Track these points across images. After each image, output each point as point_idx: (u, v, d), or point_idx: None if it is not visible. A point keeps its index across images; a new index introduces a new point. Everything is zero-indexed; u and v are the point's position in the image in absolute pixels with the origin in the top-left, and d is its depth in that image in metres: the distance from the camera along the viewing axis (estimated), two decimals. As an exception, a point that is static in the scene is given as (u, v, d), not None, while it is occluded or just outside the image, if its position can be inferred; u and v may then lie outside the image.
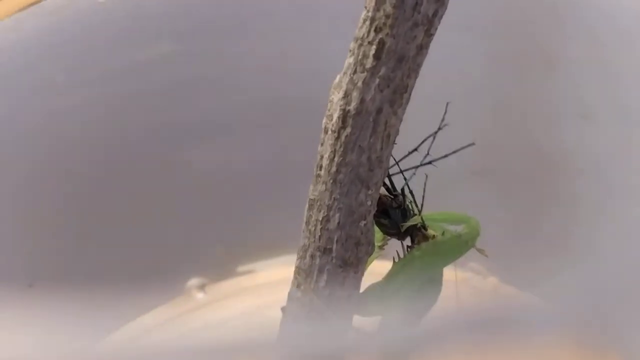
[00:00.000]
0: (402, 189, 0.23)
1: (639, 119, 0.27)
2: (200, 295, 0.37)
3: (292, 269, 0.23)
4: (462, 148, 0.22)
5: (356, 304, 0.22)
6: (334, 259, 0.22)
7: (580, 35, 0.28)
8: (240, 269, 0.38)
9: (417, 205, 0.23)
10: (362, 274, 0.23)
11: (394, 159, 0.22)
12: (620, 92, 0.27)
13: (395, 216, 0.22)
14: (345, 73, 0.21)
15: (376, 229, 0.23)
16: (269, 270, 0.38)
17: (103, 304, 0.33)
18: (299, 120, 0.32)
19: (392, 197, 0.22)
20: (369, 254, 0.22)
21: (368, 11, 0.20)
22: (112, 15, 0.27)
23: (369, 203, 0.22)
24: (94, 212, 0.33)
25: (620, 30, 0.27)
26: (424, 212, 0.23)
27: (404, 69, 0.20)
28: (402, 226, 0.22)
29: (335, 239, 0.22)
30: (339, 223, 0.22)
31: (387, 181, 0.22)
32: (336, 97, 0.21)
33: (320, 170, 0.22)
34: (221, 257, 0.37)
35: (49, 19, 0.26)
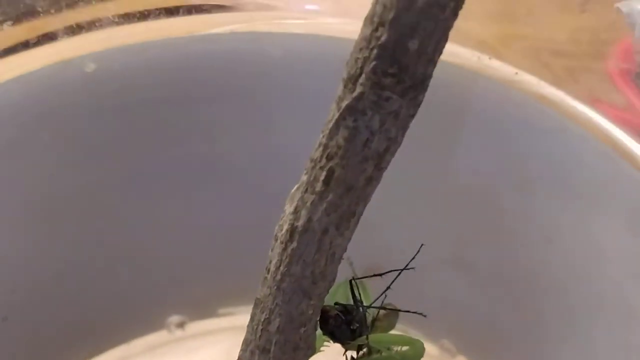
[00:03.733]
0: (357, 308, 0.23)
1: (597, 247, 0.28)
2: (179, 332, 0.39)
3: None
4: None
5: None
6: (272, 359, 0.23)
7: (548, 169, 0.29)
8: (221, 310, 0.39)
9: (366, 322, 0.23)
10: (300, 376, 0.23)
11: (355, 279, 0.23)
12: (581, 221, 0.28)
13: (343, 334, 0.23)
14: (298, 189, 0.21)
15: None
16: (249, 314, 0.39)
17: (78, 336, 0.34)
18: (282, 170, 0.32)
19: (343, 317, 0.23)
20: (307, 357, 0.23)
21: (323, 137, 0.20)
22: (100, 84, 0.28)
23: (310, 312, 0.22)
24: (71, 246, 0.34)
25: (586, 166, 0.28)
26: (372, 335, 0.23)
27: (352, 197, 0.21)
28: (347, 344, 0.23)
29: (274, 341, 0.23)
30: (278, 327, 0.22)
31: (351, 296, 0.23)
32: (288, 209, 0.22)
33: (268, 273, 0.22)
34: (203, 298, 0.38)
35: (37, 86, 0.27)
